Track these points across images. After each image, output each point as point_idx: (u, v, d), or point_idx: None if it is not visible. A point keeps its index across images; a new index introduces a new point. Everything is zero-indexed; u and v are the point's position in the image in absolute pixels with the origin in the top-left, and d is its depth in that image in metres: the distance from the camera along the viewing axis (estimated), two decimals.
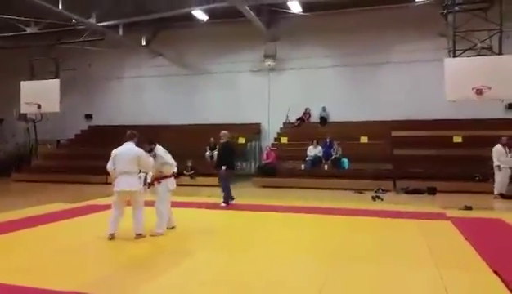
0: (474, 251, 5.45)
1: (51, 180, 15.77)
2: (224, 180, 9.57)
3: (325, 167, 14.74)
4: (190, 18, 17.63)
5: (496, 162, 11.31)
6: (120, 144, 6.32)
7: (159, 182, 6.68)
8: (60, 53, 18.18)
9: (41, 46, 17.91)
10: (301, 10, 16.36)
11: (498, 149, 11.41)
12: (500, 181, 11.28)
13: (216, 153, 10.72)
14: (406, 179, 13.01)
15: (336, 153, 14.81)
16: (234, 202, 9.58)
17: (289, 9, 16.51)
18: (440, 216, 8.04)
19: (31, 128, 20.10)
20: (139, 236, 6.24)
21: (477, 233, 6.60)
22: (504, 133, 12.11)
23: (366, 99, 17.22)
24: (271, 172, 14.87)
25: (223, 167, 9.39)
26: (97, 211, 8.38)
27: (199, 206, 9.45)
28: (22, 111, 17.70)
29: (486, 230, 7.01)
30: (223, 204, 9.40)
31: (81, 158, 17.37)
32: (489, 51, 12.07)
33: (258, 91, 18.58)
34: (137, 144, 6.37)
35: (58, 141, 21.17)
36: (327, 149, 14.98)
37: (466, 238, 6.15)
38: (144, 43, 19.82)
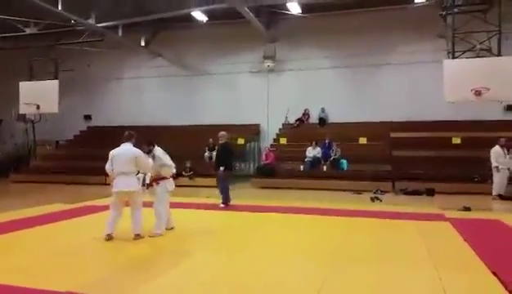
0: (473, 252, 5.45)
1: (50, 181, 15.75)
2: (223, 180, 9.56)
3: (324, 167, 14.73)
4: (190, 19, 17.64)
5: (494, 164, 11.33)
6: (119, 145, 6.32)
7: (158, 183, 6.68)
8: (60, 54, 18.17)
9: (40, 46, 17.90)
10: (300, 11, 16.38)
11: (496, 150, 11.44)
12: (498, 182, 11.30)
13: (215, 153, 10.71)
14: (404, 180, 13.02)
15: (335, 154, 14.82)
16: (230, 203, 9.52)
17: (288, 10, 16.54)
18: (439, 217, 8.05)
19: (30, 129, 20.07)
20: (138, 237, 6.23)
21: (476, 234, 6.60)
22: (502, 134, 12.13)
23: (365, 100, 17.23)
24: (270, 173, 14.87)
25: (221, 168, 9.39)
26: (96, 212, 8.37)
27: (198, 207, 9.45)
28: (21, 112, 17.70)
29: (485, 231, 7.02)
30: (222, 205, 9.39)
31: (80, 159, 17.34)
32: (488, 52, 12.10)
33: (258, 92, 18.59)
34: (136, 145, 6.37)
35: (57, 142, 21.15)
36: (326, 150, 14.98)
37: (465, 239, 6.15)
38: (143, 44, 19.83)
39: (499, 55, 11.79)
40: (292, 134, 17.34)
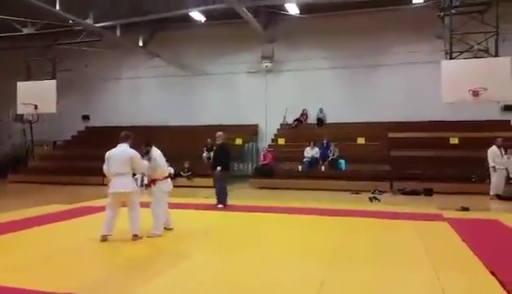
0: (471, 252, 5.46)
1: (48, 182, 15.71)
2: (220, 181, 9.55)
3: (322, 168, 14.75)
4: (188, 19, 17.63)
5: (491, 164, 11.38)
6: (116, 146, 6.32)
7: (155, 184, 6.67)
8: (57, 54, 18.10)
9: (38, 46, 17.83)
10: (298, 12, 16.41)
11: (493, 150, 11.49)
12: (495, 182, 11.34)
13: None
14: (402, 180, 13.04)
15: (333, 155, 14.83)
16: (227, 204, 9.49)
17: (286, 11, 16.56)
18: (437, 217, 8.06)
19: (27, 129, 20.04)
20: (135, 237, 6.22)
21: (474, 234, 6.61)
22: (500, 134, 12.19)
23: (363, 100, 17.26)
24: (269, 173, 14.87)
25: (218, 168, 9.39)
26: (94, 213, 8.34)
27: (197, 207, 9.44)
28: (18, 112, 17.63)
29: (483, 231, 7.03)
30: (220, 205, 9.39)
31: (77, 160, 17.30)
32: (485, 53, 12.12)
33: (256, 93, 18.60)
34: (133, 146, 6.37)
35: (54, 142, 21.11)
36: (324, 150, 14.99)
37: (463, 239, 6.17)
38: (141, 44, 19.81)
39: (496, 55, 11.83)
40: (290, 134, 17.35)
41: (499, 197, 11.18)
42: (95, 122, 20.98)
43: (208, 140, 15.23)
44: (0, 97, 20.10)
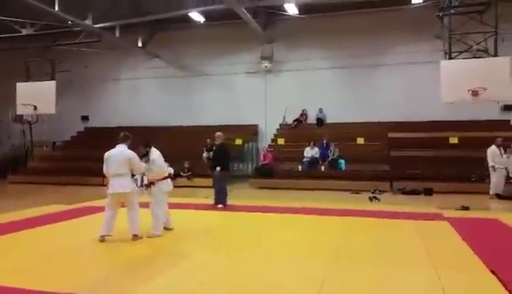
0: (471, 252, 5.47)
1: (48, 182, 15.70)
2: (219, 181, 9.56)
3: (322, 168, 14.75)
4: (187, 20, 17.64)
5: (490, 163, 11.39)
6: (115, 146, 6.32)
7: (154, 184, 6.66)
8: (56, 55, 18.10)
9: (37, 47, 17.83)
10: (297, 12, 16.42)
11: (493, 149, 11.50)
12: (495, 182, 11.36)
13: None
14: (402, 180, 13.05)
15: (333, 155, 14.84)
16: (220, 206, 9.45)
17: (285, 11, 16.57)
18: (437, 217, 8.07)
19: (27, 130, 20.03)
20: (135, 237, 6.22)
21: (474, 233, 6.62)
22: (499, 134, 12.20)
23: (363, 100, 17.27)
24: (268, 173, 14.87)
25: (218, 168, 9.40)
26: (94, 213, 8.32)
27: (197, 207, 9.44)
28: (18, 113, 17.62)
29: (483, 230, 7.04)
30: (220, 205, 9.39)
31: (77, 160, 17.29)
32: (485, 53, 12.13)
33: (255, 93, 18.61)
34: (132, 146, 6.36)
35: (54, 143, 21.09)
36: (324, 150, 15.00)
37: (463, 239, 6.17)
38: (140, 45, 19.81)
39: (495, 55, 11.84)
40: (290, 134, 17.35)
41: (499, 196, 11.20)
42: (94, 122, 20.96)
43: (208, 140, 15.23)
44: None
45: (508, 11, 13.48)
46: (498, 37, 11.92)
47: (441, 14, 13.50)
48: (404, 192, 12.35)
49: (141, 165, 6.38)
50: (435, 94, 12.74)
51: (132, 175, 6.47)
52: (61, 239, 6.54)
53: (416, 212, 8.68)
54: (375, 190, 12.37)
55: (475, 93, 11.50)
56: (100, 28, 17.18)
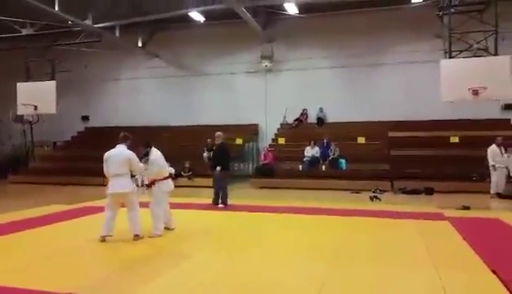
0: (472, 251, 5.46)
1: (48, 182, 15.70)
2: (220, 180, 9.56)
3: (323, 167, 14.75)
4: (187, 19, 17.63)
5: (491, 163, 11.38)
6: (115, 146, 6.32)
7: (155, 184, 6.66)
8: (57, 54, 18.11)
9: (37, 47, 17.84)
10: (297, 11, 16.41)
11: (493, 149, 11.49)
12: (495, 181, 11.34)
13: None
14: (403, 179, 13.04)
15: (333, 154, 14.83)
16: (221, 205, 9.43)
17: (285, 10, 16.56)
18: (438, 216, 8.06)
19: (27, 130, 20.03)
20: (137, 237, 6.22)
21: (475, 232, 6.61)
22: (500, 133, 12.19)
23: (363, 99, 17.26)
24: (269, 173, 14.87)
25: (218, 168, 9.40)
26: (95, 213, 8.31)
27: (197, 207, 9.43)
28: (18, 113, 17.65)
29: (484, 230, 7.03)
30: (221, 205, 9.39)
31: (78, 160, 17.28)
32: (485, 52, 12.13)
33: (255, 92, 18.59)
34: (132, 146, 6.36)
35: (54, 143, 21.10)
36: (324, 149, 14.99)
37: (464, 238, 6.17)
38: (140, 45, 19.80)
39: (495, 54, 11.83)
40: (290, 134, 17.34)
41: (500, 195, 11.19)
42: (94, 122, 20.97)
43: (209, 140, 15.19)
44: (0, 98, 20.10)
45: (508, 9, 13.45)
46: (498, 36, 11.92)
47: (441, 13, 13.51)
48: (405, 191, 12.34)
49: (140, 165, 6.38)
50: (435, 93, 12.75)
51: (133, 176, 6.47)
52: (62, 239, 6.54)
53: (417, 212, 8.67)
54: (375, 190, 12.37)
55: (475, 92, 11.50)
56: (100, 28, 17.18)
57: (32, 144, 20.14)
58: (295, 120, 17.87)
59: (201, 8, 16.37)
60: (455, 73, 11.74)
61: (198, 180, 14.37)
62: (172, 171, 7.21)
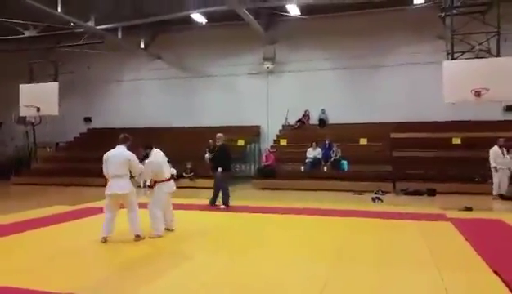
0: (475, 252, 5.45)
1: (51, 183, 15.75)
2: (221, 182, 9.57)
3: (325, 168, 14.72)
4: (189, 21, 17.67)
5: (492, 164, 11.35)
6: (114, 147, 6.33)
7: (156, 185, 6.68)
8: (59, 56, 18.18)
9: (40, 49, 17.91)
10: (299, 13, 16.43)
11: (495, 150, 11.46)
12: (497, 182, 11.31)
13: None
14: (405, 180, 13.02)
15: (335, 155, 14.81)
16: (223, 206, 9.43)
17: (287, 12, 16.58)
18: (440, 217, 8.04)
19: (30, 131, 20.09)
20: (138, 238, 6.23)
21: (477, 233, 6.60)
22: (502, 134, 12.14)
23: (365, 101, 17.25)
24: (271, 174, 14.87)
25: (219, 169, 9.42)
26: (97, 214, 8.31)
27: (199, 208, 9.45)
28: (21, 114, 17.72)
29: (486, 231, 7.01)
30: (223, 206, 9.39)
31: (80, 161, 17.31)
32: (487, 53, 12.11)
33: (257, 94, 18.61)
34: (131, 148, 6.37)
35: (57, 144, 21.17)
36: (326, 150, 14.98)
37: (466, 239, 6.16)
38: (143, 46, 19.87)
39: (498, 55, 11.82)
40: (292, 135, 17.34)
41: (502, 197, 11.16)
42: (97, 124, 21.02)
43: (211, 141, 15.13)
44: (3, 100, 20.20)
45: (510, 11, 13.39)
46: (501, 38, 11.91)
47: (443, 14, 13.48)
48: (407, 192, 12.32)
49: (140, 166, 6.39)
50: (437, 94, 12.73)
51: (132, 177, 6.47)
52: (64, 240, 6.56)
53: (419, 213, 8.66)
54: (377, 191, 12.35)
55: (478, 93, 11.49)
56: (102, 29, 17.24)
57: (34, 146, 20.20)
58: (297, 121, 17.87)
59: (203, 10, 16.41)
60: (458, 75, 11.72)
61: (200, 181, 14.38)
62: (174, 172, 7.19)
